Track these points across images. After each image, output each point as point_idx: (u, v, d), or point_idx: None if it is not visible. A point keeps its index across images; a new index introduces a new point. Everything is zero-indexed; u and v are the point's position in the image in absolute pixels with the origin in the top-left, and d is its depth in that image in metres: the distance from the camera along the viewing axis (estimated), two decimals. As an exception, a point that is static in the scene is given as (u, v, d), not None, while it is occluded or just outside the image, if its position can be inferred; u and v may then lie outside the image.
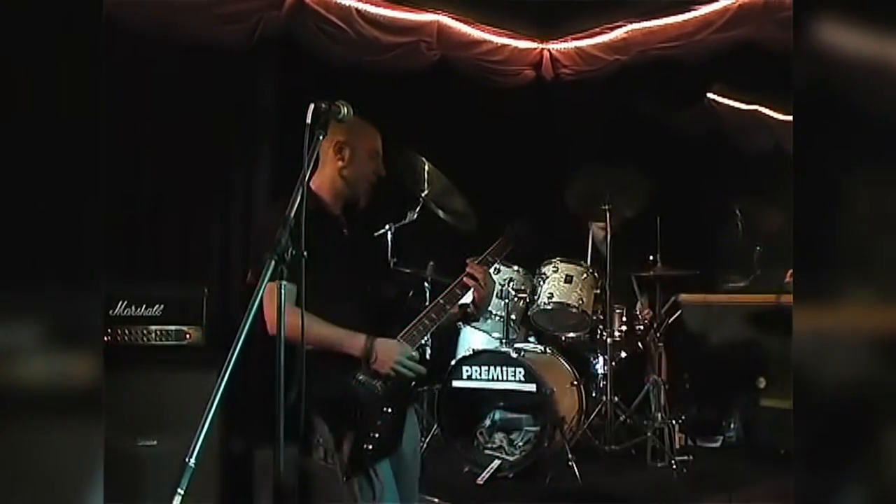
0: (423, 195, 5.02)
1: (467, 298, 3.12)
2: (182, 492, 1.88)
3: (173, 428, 3.49)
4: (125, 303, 3.83)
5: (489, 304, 3.41)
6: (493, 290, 3.26)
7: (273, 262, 2.21)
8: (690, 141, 7.11)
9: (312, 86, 5.16)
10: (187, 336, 3.92)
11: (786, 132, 8.34)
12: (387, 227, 5.03)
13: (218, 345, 3.82)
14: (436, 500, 4.19)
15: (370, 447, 2.91)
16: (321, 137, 2.46)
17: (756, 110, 7.90)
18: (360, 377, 2.93)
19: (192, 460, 1.89)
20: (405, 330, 2.99)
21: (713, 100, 7.38)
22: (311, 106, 2.45)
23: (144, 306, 3.87)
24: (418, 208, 5.04)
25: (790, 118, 8.37)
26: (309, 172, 2.48)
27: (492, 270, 3.25)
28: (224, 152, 5.20)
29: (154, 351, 3.86)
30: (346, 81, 5.19)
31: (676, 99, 6.74)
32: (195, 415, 1.96)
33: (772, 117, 8.13)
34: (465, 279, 3.09)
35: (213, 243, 5.18)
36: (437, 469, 4.50)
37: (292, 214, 2.29)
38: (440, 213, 5.21)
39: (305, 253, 2.31)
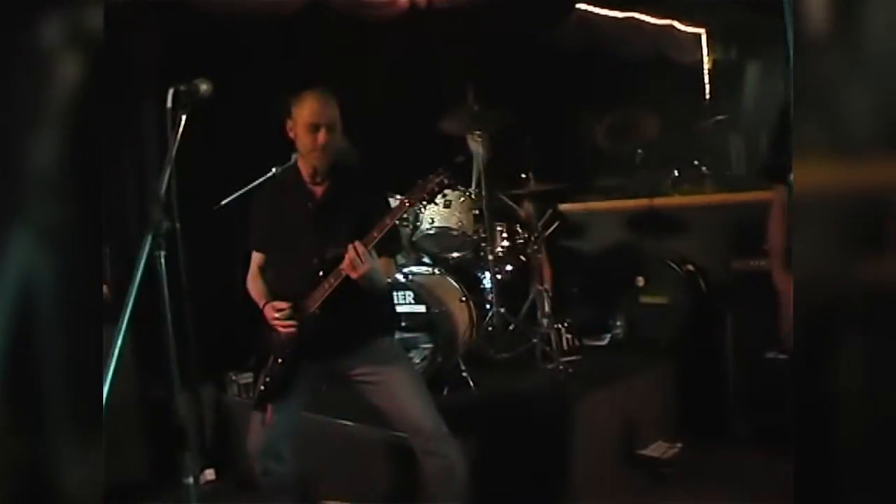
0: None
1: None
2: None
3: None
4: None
5: (379, 281, 3.37)
6: (375, 270, 3.24)
7: (150, 237, 2.30)
8: (563, 54, 7.24)
9: (188, 35, 5.20)
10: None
11: (664, 37, 8.61)
12: (273, 170, 5.16)
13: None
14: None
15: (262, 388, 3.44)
16: (184, 117, 2.46)
17: (632, 17, 8.13)
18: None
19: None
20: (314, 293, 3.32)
21: (586, 10, 7.56)
22: (171, 90, 2.45)
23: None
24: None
25: (667, 22, 8.65)
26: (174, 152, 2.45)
27: None
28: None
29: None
30: (222, 28, 5.26)
31: (546, 13, 6.87)
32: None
33: (649, 23, 8.36)
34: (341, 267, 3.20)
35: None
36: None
37: (163, 191, 2.36)
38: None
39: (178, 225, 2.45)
